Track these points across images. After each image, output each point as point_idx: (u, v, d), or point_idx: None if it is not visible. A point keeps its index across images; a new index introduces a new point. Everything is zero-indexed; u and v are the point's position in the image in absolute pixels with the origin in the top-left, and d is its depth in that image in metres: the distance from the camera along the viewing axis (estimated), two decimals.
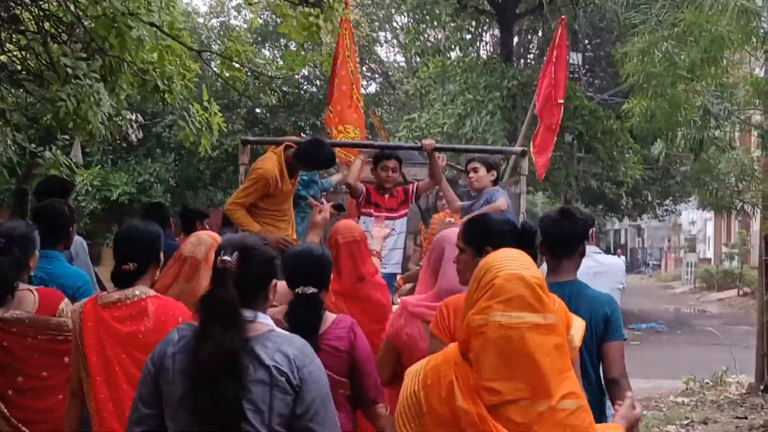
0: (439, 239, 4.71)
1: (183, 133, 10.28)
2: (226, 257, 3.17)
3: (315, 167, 8.05)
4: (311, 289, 4.33)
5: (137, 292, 4.25)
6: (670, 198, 34.72)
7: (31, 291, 4.65)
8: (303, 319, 4.25)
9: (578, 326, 3.69)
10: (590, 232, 5.43)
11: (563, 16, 10.75)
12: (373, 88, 34.19)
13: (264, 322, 3.23)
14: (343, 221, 5.70)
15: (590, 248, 5.64)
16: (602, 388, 4.61)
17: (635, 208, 34.51)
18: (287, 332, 3.29)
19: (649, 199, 32.89)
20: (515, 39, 25.20)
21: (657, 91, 9.95)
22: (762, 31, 9.51)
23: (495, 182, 8.13)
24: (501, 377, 2.87)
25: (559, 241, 4.60)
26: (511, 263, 3.00)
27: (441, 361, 3.06)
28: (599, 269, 6.34)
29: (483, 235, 4.10)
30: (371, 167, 8.37)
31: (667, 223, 63.23)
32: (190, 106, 10.33)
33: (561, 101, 9.44)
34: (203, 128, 10.50)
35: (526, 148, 8.87)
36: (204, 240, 4.94)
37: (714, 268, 40.39)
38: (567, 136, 21.95)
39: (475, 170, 8.07)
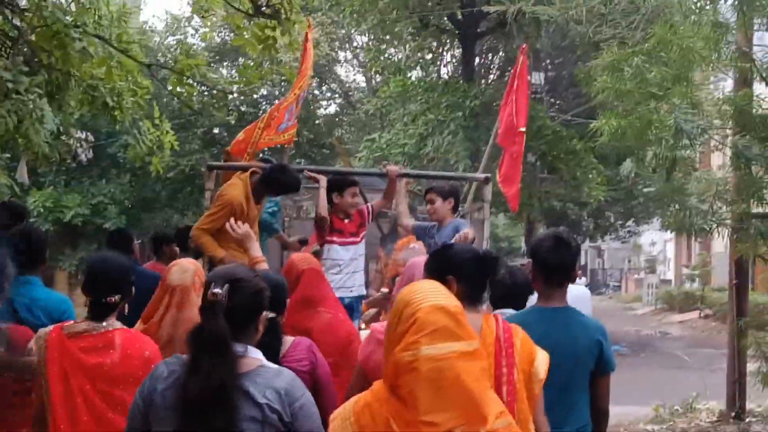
0: (410, 266, 4.74)
1: (133, 151, 9.87)
2: (216, 290, 3.17)
3: (280, 192, 8.07)
4: (270, 314, 4.11)
5: (104, 324, 4.22)
6: (633, 219, 34.54)
7: None
8: (266, 343, 4.03)
9: (542, 359, 3.75)
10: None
11: (524, 45, 10.53)
12: (333, 108, 34.02)
13: (254, 356, 3.26)
14: (296, 254, 5.85)
15: None
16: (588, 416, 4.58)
17: (598, 229, 34.45)
18: (276, 366, 3.33)
19: (612, 220, 32.73)
20: (477, 59, 24.94)
21: (627, 108, 9.62)
22: (734, 46, 9.24)
23: (455, 208, 8.12)
24: (437, 409, 2.91)
25: (557, 270, 4.56)
26: (430, 295, 3.05)
27: (370, 400, 3.08)
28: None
29: (444, 265, 4.05)
30: (333, 194, 8.23)
31: (627, 244, 63.37)
32: (140, 123, 9.87)
33: (522, 129, 9.33)
34: (155, 147, 10.04)
35: (489, 175, 8.85)
36: (187, 267, 4.95)
37: (675, 290, 40.41)
38: (530, 156, 21.80)
39: (432, 201, 8.07)
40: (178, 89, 9.43)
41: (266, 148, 9.95)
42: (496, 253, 4.36)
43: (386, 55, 22.84)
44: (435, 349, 2.94)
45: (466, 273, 3.93)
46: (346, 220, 8.29)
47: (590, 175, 21.40)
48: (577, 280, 9.19)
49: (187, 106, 9.96)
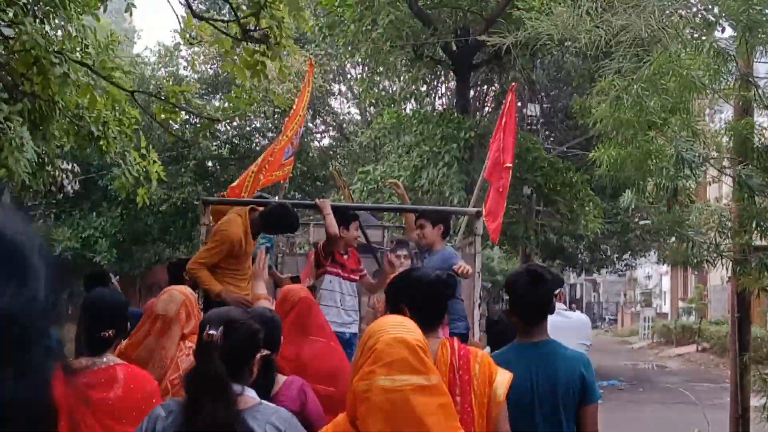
0: None
1: (119, 182, 9.59)
2: (212, 331, 3.23)
3: (279, 231, 8.22)
4: (264, 352, 4.15)
5: (105, 359, 4.24)
6: (629, 252, 34.39)
7: None
8: (258, 382, 4.09)
9: (502, 380, 3.72)
10: (558, 291, 5.42)
11: (513, 83, 10.69)
12: (326, 140, 33.82)
13: (251, 395, 3.33)
14: (291, 285, 5.99)
15: (558, 305, 5.68)
16: None
17: (594, 262, 34.27)
18: (273, 404, 3.44)
19: (608, 253, 32.55)
20: (471, 91, 24.78)
21: (626, 137, 9.41)
22: (736, 74, 9.04)
23: (444, 235, 8.25)
24: None
25: (537, 307, 4.48)
26: (394, 328, 3.08)
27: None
28: (565, 325, 6.49)
29: (397, 292, 4.08)
30: (339, 228, 8.13)
31: (623, 278, 63.18)
32: (127, 154, 9.63)
33: (509, 165, 9.40)
34: (141, 178, 9.82)
35: (480, 209, 8.84)
36: (176, 297, 5.00)
37: (672, 323, 40.36)
38: (525, 189, 21.57)
39: (422, 227, 8.18)
40: (163, 116, 9.14)
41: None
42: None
43: (380, 87, 22.63)
44: (389, 381, 2.95)
45: (419, 299, 3.92)
46: (345, 256, 8.33)
47: (587, 208, 21.06)
48: (582, 314, 9.12)
49: (173, 135, 9.65)
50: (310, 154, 29.36)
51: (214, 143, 26.88)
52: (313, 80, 10.48)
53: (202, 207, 8.09)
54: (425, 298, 3.96)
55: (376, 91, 22.39)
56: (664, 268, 53.18)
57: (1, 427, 1.14)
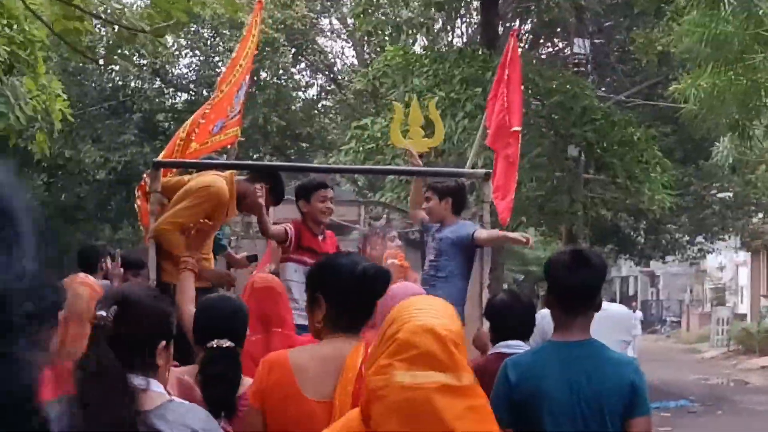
0: (389, 297, 4.48)
1: (4, 123, 8.44)
2: (101, 312, 3.30)
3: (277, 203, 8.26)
4: (227, 343, 4.61)
5: None
6: (703, 234, 33.61)
7: None
8: (219, 375, 4.53)
9: None
10: None
11: (515, 27, 10.27)
12: (313, 89, 33.35)
13: (159, 391, 3.36)
14: (259, 274, 6.46)
15: None
16: None
17: (657, 247, 33.79)
18: (187, 402, 3.55)
19: (675, 235, 31.57)
20: (500, 24, 23.78)
21: (728, 60, 8.48)
22: None
23: (457, 210, 8.35)
24: None
25: (577, 294, 4.60)
26: (420, 313, 3.14)
27: (339, 429, 3.31)
28: (601, 316, 5.83)
29: (315, 278, 4.23)
30: (299, 201, 8.31)
31: (687, 270, 62.68)
32: (16, 81, 8.50)
33: (517, 129, 9.44)
34: (40, 118, 8.81)
35: (489, 171, 8.90)
36: (80, 292, 4.77)
37: (754, 327, 39.78)
38: (571, 149, 21.30)
39: (427, 200, 8.34)
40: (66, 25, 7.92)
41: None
42: (379, 270, 4.26)
43: (381, 13, 21.65)
44: (410, 377, 3.00)
45: (336, 291, 4.03)
46: (320, 237, 8.24)
47: (653, 174, 20.41)
48: (623, 306, 9.29)
49: (80, 52, 8.51)
50: (292, 107, 29.08)
51: (167, 90, 26.15)
52: (259, 20, 10.56)
53: (153, 171, 7.89)
54: (344, 291, 4.04)
55: (376, 17, 21.27)
56: (742, 257, 52.69)
57: None
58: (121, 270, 9.58)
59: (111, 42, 8.90)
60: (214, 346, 4.61)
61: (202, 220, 7.27)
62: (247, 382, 4.59)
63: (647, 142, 20.30)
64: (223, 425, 4.31)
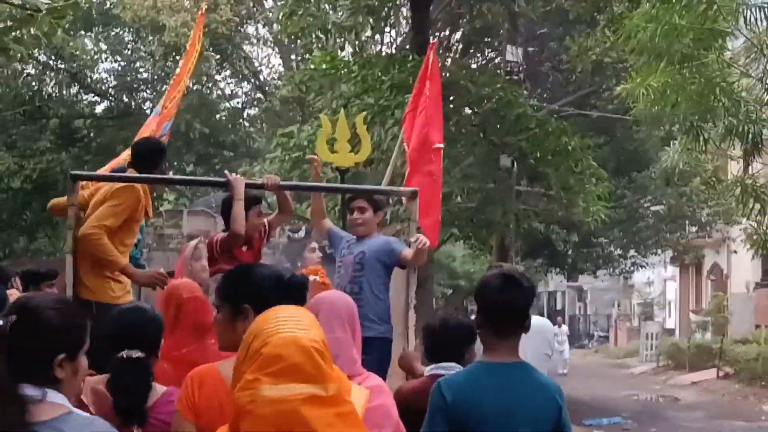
0: (316, 303, 4.83)
1: None
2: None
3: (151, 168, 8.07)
4: (137, 353, 4.69)
5: None
6: (635, 248, 33.65)
7: None
8: (128, 385, 4.61)
9: (358, 397, 3.77)
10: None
11: (434, 40, 11.07)
12: (239, 96, 33.04)
13: (57, 401, 3.27)
14: (184, 281, 6.35)
15: None
16: None
17: (589, 261, 33.74)
18: (87, 415, 3.45)
19: (609, 249, 31.45)
20: (431, 29, 23.38)
21: (681, 56, 7.99)
22: None
23: (380, 224, 8.54)
24: None
25: (508, 316, 4.71)
26: (285, 325, 3.18)
27: None
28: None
29: (239, 288, 4.25)
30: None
31: (615, 284, 62.81)
32: None
33: (440, 146, 9.57)
34: None
35: (416, 189, 8.64)
36: None
37: (684, 342, 39.66)
38: (504, 158, 20.90)
39: (362, 210, 8.25)
40: None
41: None
42: (304, 278, 4.50)
43: (308, 14, 21.05)
44: (277, 390, 3.05)
45: (266, 301, 3.83)
46: (245, 248, 8.24)
47: (587, 185, 20.17)
48: (545, 319, 9.68)
49: None
50: (216, 115, 28.91)
51: (86, 97, 25.37)
52: (201, 37, 11.10)
53: (70, 184, 7.74)
54: (275, 301, 3.74)
55: (303, 20, 20.69)
56: (670, 272, 52.96)
57: None
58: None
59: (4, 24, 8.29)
60: (124, 356, 4.68)
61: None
62: (159, 390, 4.75)
63: (582, 152, 20.03)
64: None
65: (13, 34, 8.19)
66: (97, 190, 7.77)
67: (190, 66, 11.71)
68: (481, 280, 4.97)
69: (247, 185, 8.78)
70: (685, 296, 49.29)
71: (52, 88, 26.56)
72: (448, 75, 20.58)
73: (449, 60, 25.01)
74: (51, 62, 26.67)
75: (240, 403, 3.07)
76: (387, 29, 26.20)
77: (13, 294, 8.19)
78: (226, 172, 8.26)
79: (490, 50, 27.72)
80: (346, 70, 20.70)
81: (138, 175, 7.93)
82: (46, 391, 3.24)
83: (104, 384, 4.66)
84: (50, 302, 3.47)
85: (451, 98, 20.74)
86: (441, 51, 24.94)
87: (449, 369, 5.53)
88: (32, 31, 8.09)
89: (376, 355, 7.36)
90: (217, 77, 30.11)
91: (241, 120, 30.14)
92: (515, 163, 20.99)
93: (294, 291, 4.23)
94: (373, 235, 8.25)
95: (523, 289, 4.72)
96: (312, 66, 21.43)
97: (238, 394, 3.09)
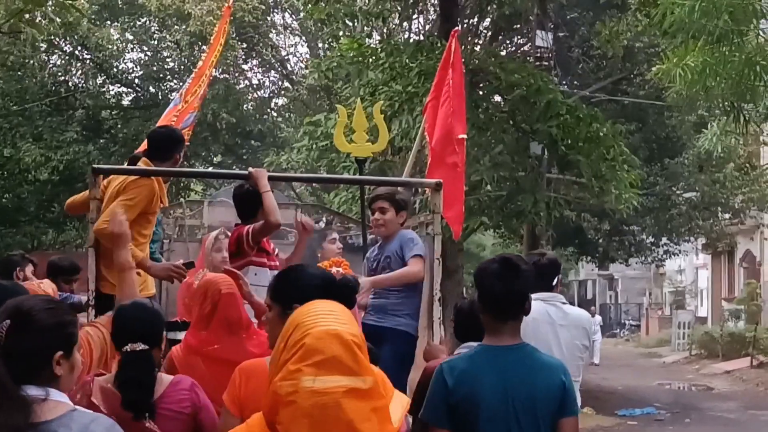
0: None
1: None
2: None
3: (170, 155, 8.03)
4: (141, 346, 4.77)
5: None
6: (668, 236, 33.67)
7: None
8: (134, 378, 4.69)
9: (397, 407, 3.74)
10: (557, 278, 6.82)
11: (456, 28, 10.69)
12: (266, 87, 32.70)
13: (60, 400, 3.36)
14: (220, 275, 6.33)
15: (555, 296, 6.72)
16: None
17: (621, 249, 33.51)
18: (90, 411, 3.56)
19: (636, 237, 31.80)
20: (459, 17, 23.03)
21: (720, 33, 7.67)
22: None
23: (403, 224, 8.36)
24: None
25: (508, 301, 4.82)
26: (325, 318, 3.31)
27: None
28: (563, 321, 6.71)
29: (288, 289, 4.31)
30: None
31: (646, 273, 62.44)
32: None
33: (463, 136, 9.33)
34: None
35: (440, 181, 8.47)
36: None
37: (717, 331, 39.27)
38: (534, 146, 20.67)
39: (383, 210, 8.16)
40: None
41: None
42: (355, 282, 4.66)
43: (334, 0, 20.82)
44: (319, 382, 3.14)
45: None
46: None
47: (620, 172, 19.59)
48: (594, 317, 10.66)
49: None
50: (243, 105, 28.57)
51: (112, 87, 25.23)
52: (227, 29, 11.23)
53: (92, 178, 7.70)
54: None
55: (329, 5, 20.45)
56: (702, 259, 52.37)
57: None
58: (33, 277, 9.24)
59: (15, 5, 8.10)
60: (128, 350, 4.75)
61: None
62: (166, 379, 4.91)
63: (614, 139, 19.61)
64: (149, 426, 4.59)
65: (27, 16, 7.98)
66: (110, 183, 7.73)
67: (214, 58, 11.72)
68: (480, 267, 5.04)
69: (271, 177, 8.67)
70: (718, 284, 48.75)
71: (78, 78, 26.46)
72: (476, 62, 20.35)
73: (478, 47, 24.67)
74: (77, 53, 26.47)
75: (281, 393, 3.16)
76: (415, 16, 26.03)
77: (32, 284, 7.84)
78: (251, 169, 8.08)
79: (519, 37, 27.45)
80: (373, 57, 20.33)
81: (158, 168, 7.91)
82: (48, 390, 3.34)
83: (111, 382, 4.74)
84: (41, 303, 3.57)
85: (480, 85, 20.72)
86: (469, 38, 24.73)
87: (467, 347, 5.54)
88: (47, 15, 7.92)
89: (398, 345, 7.61)
90: (244, 66, 29.89)
91: (268, 110, 30.02)
92: (545, 150, 20.71)
93: (343, 293, 4.25)
94: (394, 235, 8.15)
95: (521, 273, 4.82)
96: (339, 53, 21.08)
97: (279, 383, 3.17)
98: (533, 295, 5.14)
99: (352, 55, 20.56)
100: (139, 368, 4.73)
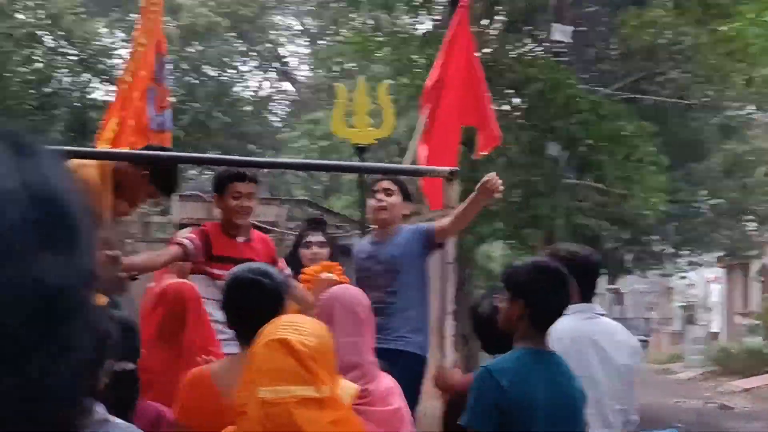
0: (330, 299, 4.89)
1: None
2: None
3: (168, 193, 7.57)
4: (130, 365, 4.51)
5: None
6: (689, 247, 33.10)
7: None
8: (120, 399, 4.29)
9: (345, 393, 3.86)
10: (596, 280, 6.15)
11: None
12: (260, 83, 32.37)
13: (99, 410, 3.50)
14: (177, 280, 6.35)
15: (592, 307, 5.92)
16: None
17: (640, 261, 32.95)
18: (124, 422, 3.75)
19: (660, 247, 31.25)
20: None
21: None
22: None
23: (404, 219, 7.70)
24: None
25: (558, 314, 4.83)
26: (285, 329, 3.44)
27: None
28: (609, 342, 5.83)
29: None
30: (215, 195, 7.62)
31: (654, 287, 61.97)
32: None
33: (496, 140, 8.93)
34: None
35: (456, 168, 7.86)
36: None
37: (734, 346, 38.80)
38: (552, 147, 19.46)
39: (388, 192, 7.31)
40: None
41: None
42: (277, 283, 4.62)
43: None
44: (271, 392, 3.25)
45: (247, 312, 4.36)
46: (240, 239, 7.27)
47: (645, 174, 18.84)
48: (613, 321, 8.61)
49: None
50: (242, 108, 28.13)
51: (99, 85, 25.12)
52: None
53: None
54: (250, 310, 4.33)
55: None
56: (713, 273, 51.70)
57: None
58: None
59: None
60: (120, 370, 4.33)
61: None
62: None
63: (640, 138, 18.75)
64: None
65: None
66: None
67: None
68: (526, 273, 4.90)
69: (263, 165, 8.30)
70: (732, 299, 48.13)
71: (62, 74, 25.78)
72: (489, 54, 19.34)
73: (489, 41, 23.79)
74: (60, 47, 25.88)
75: (237, 404, 3.32)
76: (423, 12, 25.35)
77: None
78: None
79: (534, 31, 26.79)
80: (379, 49, 19.92)
81: (132, 151, 7.59)
82: (91, 400, 3.25)
83: None
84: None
85: (493, 81, 19.69)
86: (482, 29, 23.91)
87: None
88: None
89: (406, 370, 6.33)
90: (238, 63, 29.27)
91: (264, 110, 29.56)
92: (564, 151, 19.71)
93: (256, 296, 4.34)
94: (396, 229, 7.23)
95: (568, 282, 4.80)
96: (343, 41, 20.78)
97: (237, 395, 3.35)
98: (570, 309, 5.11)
99: (356, 47, 20.13)
100: (124, 388, 4.33)
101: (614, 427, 5.55)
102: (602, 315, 6.25)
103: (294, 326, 3.34)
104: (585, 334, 5.64)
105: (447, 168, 7.92)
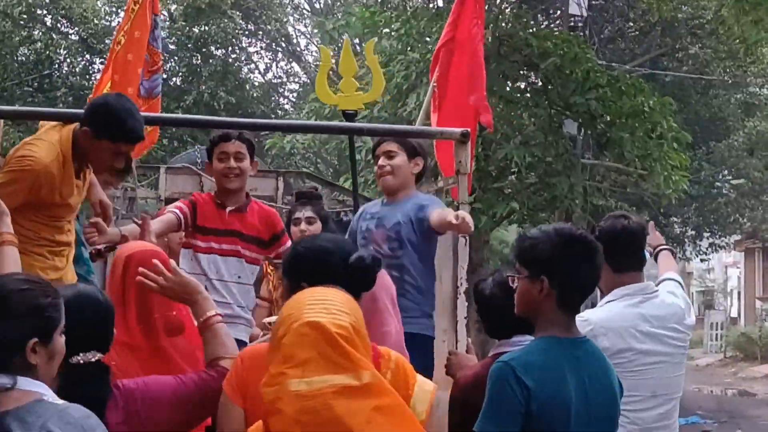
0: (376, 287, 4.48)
1: None
2: None
3: (115, 140, 6.17)
4: (97, 355, 3.89)
5: None
6: (710, 228, 32.37)
7: None
8: (88, 396, 3.71)
9: (422, 395, 3.72)
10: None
11: None
12: (267, 62, 32.23)
13: (29, 388, 3.26)
14: (137, 243, 5.48)
15: (646, 287, 5.47)
16: None
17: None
18: (64, 402, 3.35)
19: (681, 229, 30.77)
20: None
21: None
22: None
23: (419, 178, 7.03)
24: None
25: (589, 292, 4.38)
26: (312, 308, 3.17)
27: None
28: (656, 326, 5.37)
29: (298, 265, 4.07)
30: (206, 164, 7.48)
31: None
32: None
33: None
34: None
35: (468, 129, 7.17)
36: None
37: (755, 332, 38.23)
38: (569, 125, 19.05)
39: (390, 155, 6.78)
40: None
41: None
42: (374, 261, 4.06)
43: None
44: (305, 384, 3.02)
45: (323, 281, 3.71)
46: (229, 208, 6.86)
47: (667, 151, 18.10)
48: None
49: None
50: (250, 91, 27.81)
51: (98, 65, 24.88)
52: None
53: None
54: (336, 283, 3.70)
55: None
56: (732, 257, 51.70)
57: None
58: None
59: None
60: (81, 362, 3.78)
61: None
62: None
63: (662, 113, 17.94)
64: None
65: None
66: None
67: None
68: (551, 246, 4.24)
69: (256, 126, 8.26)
70: (751, 283, 47.55)
71: (60, 53, 25.29)
72: (505, 27, 19.16)
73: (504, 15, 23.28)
74: (59, 26, 25.55)
75: (266, 400, 3.05)
76: None
77: None
78: None
79: (549, 6, 26.29)
80: (388, 23, 19.36)
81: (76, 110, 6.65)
82: (16, 379, 3.21)
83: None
84: (18, 283, 3.43)
85: (509, 57, 19.20)
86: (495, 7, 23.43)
87: (524, 343, 4.51)
88: None
89: (417, 355, 5.62)
90: (245, 44, 28.92)
91: (272, 91, 29.36)
92: (581, 129, 19.24)
93: (358, 272, 3.96)
94: (409, 192, 6.74)
95: (600, 256, 4.30)
96: (350, 16, 20.33)
97: (264, 390, 3.07)
98: (613, 293, 5.12)
99: (366, 20, 19.64)
100: (94, 383, 3.84)
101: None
102: (653, 294, 5.61)
103: (323, 303, 3.11)
104: (630, 321, 5.19)
105: (458, 129, 7.28)
